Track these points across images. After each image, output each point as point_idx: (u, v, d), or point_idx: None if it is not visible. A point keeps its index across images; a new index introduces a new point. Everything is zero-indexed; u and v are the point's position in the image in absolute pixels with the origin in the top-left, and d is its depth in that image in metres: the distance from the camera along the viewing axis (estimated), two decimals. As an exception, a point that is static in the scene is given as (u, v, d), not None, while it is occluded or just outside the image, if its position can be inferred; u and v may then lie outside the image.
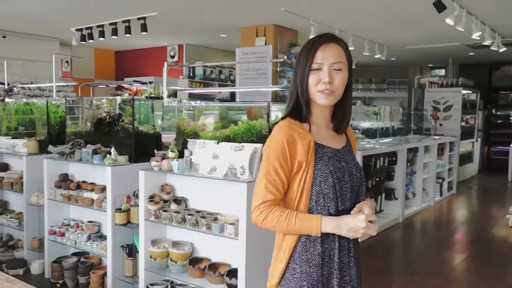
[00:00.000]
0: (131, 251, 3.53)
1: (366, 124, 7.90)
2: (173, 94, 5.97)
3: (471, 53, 10.19)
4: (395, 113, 8.49)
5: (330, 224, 1.49)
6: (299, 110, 1.59)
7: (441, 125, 10.04)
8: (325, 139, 1.60)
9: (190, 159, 3.16)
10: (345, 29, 7.22)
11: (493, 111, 12.52)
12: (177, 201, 3.29)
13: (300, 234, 1.53)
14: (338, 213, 1.53)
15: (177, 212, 3.17)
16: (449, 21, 5.56)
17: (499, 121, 12.46)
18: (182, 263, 3.15)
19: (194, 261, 3.17)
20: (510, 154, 10.23)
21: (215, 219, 3.04)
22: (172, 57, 9.75)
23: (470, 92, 11.08)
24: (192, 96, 7.90)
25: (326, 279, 1.54)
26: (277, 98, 7.23)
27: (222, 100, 8.65)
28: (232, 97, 8.53)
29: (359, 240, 1.60)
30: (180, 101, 4.14)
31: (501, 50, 7.75)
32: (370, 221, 1.49)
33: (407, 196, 6.86)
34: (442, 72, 12.26)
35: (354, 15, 6.57)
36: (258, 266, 2.92)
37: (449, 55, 10.71)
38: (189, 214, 3.10)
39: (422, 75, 12.56)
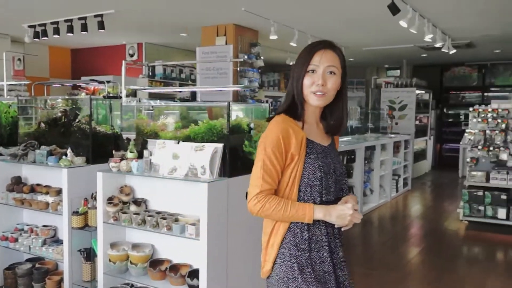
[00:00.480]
0: (89, 255, 3.44)
1: (325, 123, 8.03)
2: (133, 94, 5.86)
3: (424, 55, 10.57)
4: (353, 112, 8.70)
5: (322, 212, 1.66)
6: (294, 108, 1.73)
7: (396, 124, 10.36)
8: (315, 136, 1.76)
9: (150, 160, 3.12)
10: (305, 30, 7.32)
11: (445, 110, 13.05)
12: (137, 202, 3.24)
13: (293, 221, 1.69)
14: (322, 203, 1.70)
15: (137, 213, 3.12)
16: (403, 23, 5.75)
17: (450, 120, 13.00)
18: (143, 266, 3.11)
19: (155, 263, 3.13)
20: (461, 151, 10.70)
21: (176, 220, 3.01)
22: (131, 55, 9.57)
23: (423, 92, 11.50)
24: (152, 96, 7.79)
25: (319, 263, 1.71)
26: (238, 97, 7.24)
27: (182, 99, 8.57)
28: (193, 96, 8.48)
29: (344, 228, 1.76)
30: (140, 101, 4.08)
31: (451, 52, 8.09)
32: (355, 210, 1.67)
33: (365, 193, 7.05)
34: (397, 72, 12.65)
35: (313, 16, 6.67)
36: (220, 266, 2.92)
37: (404, 57, 11.07)
38: (149, 216, 3.06)
39: (379, 75, 12.91)
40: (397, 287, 4.12)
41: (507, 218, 6.09)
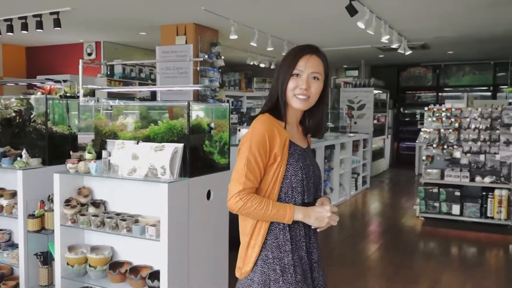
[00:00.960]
0: (46, 258, 3.35)
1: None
2: (91, 93, 5.73)
3: (381, 55, 10.86)
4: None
5: (301, 213, 1.69)
6: (277, 109, 1.77)
7: (355, 123, 10.60)
8: (295, 138, 1.80)
9: (109, 160, 3.07)
10: (265, 30, 7.38)
11: (401, 109, 13.47)
12: (96, 204, 3.18)
13: (272, 221, 1.70)
14: (303, 205, 1.73)
15: (95, 215, 3.07)
16: (361, 24, 5.89)
17: (406, 119, 13.43)
18: (102, 268, 3.06)
19: (115, 265, 3.08)
20: (417, 150, 11.07)
21: (136, 221, 2.98)
22: (89, 54, 9.33)
23: (381, 92, 11.82)
24: (111, 96, 7.64)
25: (298, 263, 1.73)
26: (198, 97, 7.21)
27: (142, 99, 8.45)
28: (153, 96, 8.37)
29: (320, 229, 1.79)
30: (98, 100, 4.00)
31: (407, 53, 8.36)
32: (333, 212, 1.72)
33: (325, 191, 7.18)
34: (355, 73, 12.94)
35: (272, 16, 6.73)
36: (181, 267, 2.92)
37: (362, 57, 11.34)
38: (108, 217, 3.02)
39: (338, 75, 13.16)
40: (356, 282, 4.23)
41: (461, 214, 6.35)
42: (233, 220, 3.80)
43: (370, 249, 5.37)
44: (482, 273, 4.58)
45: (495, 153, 6.18)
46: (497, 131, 6.19)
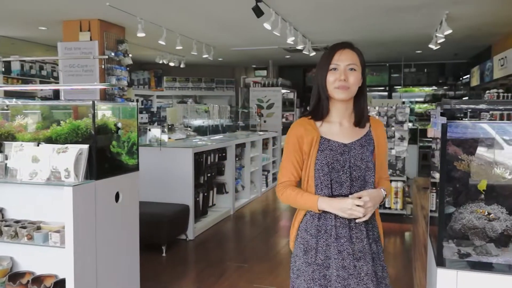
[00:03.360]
0: None
1: (197, 122, 8.12)
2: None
3: (288, 56, 11.25)
4: (223, 111, 8.92)
5: (325, 204, 1.86)
6: (318, 109, 1.96)
7: (265, 121, 10.86)
8: (334, 134, 1.94)
9: (6, 164, 2.86)
10: (173, 29, 7.29)
11: (308, 108, 14.04)
12: (-9, 212, 2.95)
13: (306, 209, 1.94)
14: (333, 197, 1.88)
15: (-9, 224, 2.84)
16: (267, 26, 6.06)
17: (313, 117, 14.03)
18: (1, 281, 2.85)
19: (15, 276, 2.89)
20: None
21: (38, 228, 2.82)
22: (-20, 49, 8.55)
23: (289, 91, 12.24)
24: (9, 94, 7.10)
25: (323, 249, 1.89)
26: (106, 96, 6.93)
27: (44, 98, 7.94)
28: (56, 95, 7.88)
29: (358, 220, 1.87)
30: (-9, 100, 3.69)
31: (311, 54, 8.75)
32: (358, 205, 1.81)
33: (237, 189, 7.29)
34: (264, 73, 13.25)
35: (180, 15, 6.67)
36: (88, 275, 2.81)
37: (270, 57, 11.65)
38: (6, 226, 2.81)
39: (247, 75, 13.40)
40: (268, 277, 4.36)
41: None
42: (145, 221, 3.74)
43: (280, 243, 5.56)
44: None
45: (391, 149, 6.70)
46: (393, 128, 6.72)
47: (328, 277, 1.88)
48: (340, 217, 1.89)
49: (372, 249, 1.93)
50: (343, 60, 1.88)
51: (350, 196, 1.87)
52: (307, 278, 1.90)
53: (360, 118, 1.97)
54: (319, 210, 1.89)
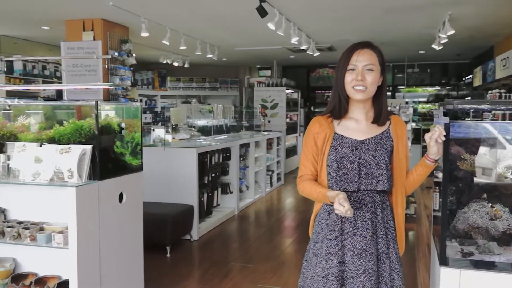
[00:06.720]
0: None
1: (201, 122, 8.09)
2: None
3: (292, 56, 11.22)
4: (228, 111, 8.89)
5: (330, 196, 1.87)
6: (336, 108, 1.98)
7: (269, 121, 10.84)
8: (350, 131, 1.97)
9: (8, 164, 2.84)
10: (177, 29, 7.28)
11: (312, 108, 14.03)
12: (-6, 212, 2.93)
13: (320, 202, 2.01)
14: (341, 191, 1.89)
15: (-7, 225, 2.82)
16: (271, 26, 6.03)
17: (317, 117, 14.01)
18: (3, 282, 2.83)
19: (18, 278, 2.87)
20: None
21: (41, 229, 2.80)
22: (-17, 49, 8.55)
23: (293, 91, 12.22)
24: (11, 94, 7.10)
25: (327, 243, 1.95)
26: (109, 96, 6.92)
27: (47, 98, 7.93)
28: (59, 95, 7.88)
29: (346, 216, 1.86)
30: (-6, 100, 3.67)
31: (315, 54, 8.72)
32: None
33: (241, 189, 7.26)
34: (268, 72, 13.23)
35: (184, 14, 6.65)
36: (92, 276, 2.79)
37: (274, 57, 11.63)
38: (9, 227, 2.79)
39: (251, 75, 13.38)
40: (272, 276, 4.33)
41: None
42: (149, 222, 3.71)
43: (285, 243, 5.53)
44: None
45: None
46: (397, 128, 6.66)
47: (327, 270, 1.92)
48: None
49: (380, 249, 1.92)
50: (361, 61, 1.90)
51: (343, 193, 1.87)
52: (312, 268, 1.98)
53: (378, 115, 1.97)
54: (331, 202, 1.90)
